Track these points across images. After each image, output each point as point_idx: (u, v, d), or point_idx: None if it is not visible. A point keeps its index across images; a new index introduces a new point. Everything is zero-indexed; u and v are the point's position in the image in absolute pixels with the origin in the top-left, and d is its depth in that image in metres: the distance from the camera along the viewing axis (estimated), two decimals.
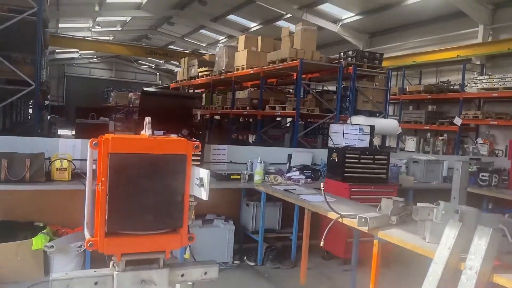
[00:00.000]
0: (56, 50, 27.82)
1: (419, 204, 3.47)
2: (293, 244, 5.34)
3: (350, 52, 9.89)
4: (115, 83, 32.10)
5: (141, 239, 2.34)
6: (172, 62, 27.54)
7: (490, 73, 12.30)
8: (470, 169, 6.35)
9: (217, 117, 15.16)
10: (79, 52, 29.06)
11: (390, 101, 15.83)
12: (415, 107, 15.51)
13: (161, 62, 31.07)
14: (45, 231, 4.33)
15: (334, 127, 5.65)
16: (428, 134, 13.87)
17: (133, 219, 2.30)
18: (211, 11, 19.49)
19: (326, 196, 4.48)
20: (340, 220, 3.62)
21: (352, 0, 14.93)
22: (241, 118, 14.22)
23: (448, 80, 13.46)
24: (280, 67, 9.80)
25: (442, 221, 3.01)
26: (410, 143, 14.41)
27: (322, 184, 3.62)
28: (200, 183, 2.38)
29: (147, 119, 2.38)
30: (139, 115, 6.18)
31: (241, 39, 11.74)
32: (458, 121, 12.14)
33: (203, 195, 2.38)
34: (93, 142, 2.28)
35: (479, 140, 12.25)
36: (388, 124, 9.64)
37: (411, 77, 15.61)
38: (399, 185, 5.54)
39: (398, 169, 6.11)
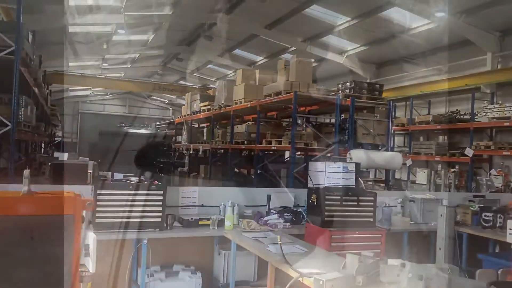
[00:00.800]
0: (70, 88, 28.23)
1: (389, 262, 2.96)
2: None
3: (348, 84, 9.52)
4: (129, 119, 32.29)
5: None
6: (184, 97, 27.59)
7: (501, 102, 11.70)
8: (472, 208, 5.77)
9: (221, 150, 14.83)
10: (92, 89, 29.44)
11: (399, 132, 15.35)
12: (425, 138, 14.87)
13: (174, 97, 31.19)
14: None
15: (314, 165, 5.17)
16: (439, 166, 13.18)
17: None
18: (217, 46, 19.51)
19: (296, 247, 4.00)
20: (300, 279, 3.11)
21: (356, 32, 14.64)
22: (243, 152, 13.85)
23: (457, 109, 12.87)
24: (275, 100, 9.47)
25: (409, 286, 2.50)
26: (421, 176, 13.69)
27: (278, 237, 3.13)
28: (85, 252, 1.95)
29: (25, 172, 1.98)
30: (102, 158, 5.84)
31: (239, 73, 11.54)
32: (469, 152, 11.49)
33: (90, 266, 1.95)
34: None
35: (493, 172, 11.51)
36: (390, 157, 9.11)
37: (420, 107, 15.06)
38: (387, 230, 4.97)
39: (391, 210, 5.54)
